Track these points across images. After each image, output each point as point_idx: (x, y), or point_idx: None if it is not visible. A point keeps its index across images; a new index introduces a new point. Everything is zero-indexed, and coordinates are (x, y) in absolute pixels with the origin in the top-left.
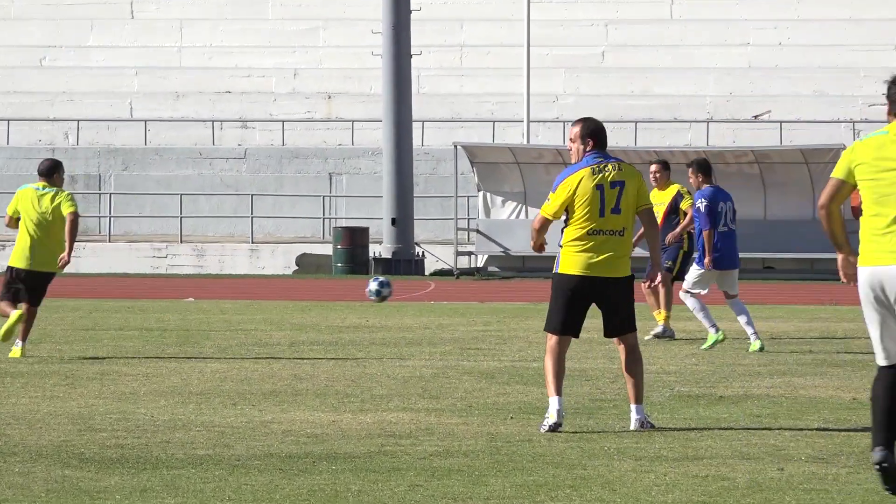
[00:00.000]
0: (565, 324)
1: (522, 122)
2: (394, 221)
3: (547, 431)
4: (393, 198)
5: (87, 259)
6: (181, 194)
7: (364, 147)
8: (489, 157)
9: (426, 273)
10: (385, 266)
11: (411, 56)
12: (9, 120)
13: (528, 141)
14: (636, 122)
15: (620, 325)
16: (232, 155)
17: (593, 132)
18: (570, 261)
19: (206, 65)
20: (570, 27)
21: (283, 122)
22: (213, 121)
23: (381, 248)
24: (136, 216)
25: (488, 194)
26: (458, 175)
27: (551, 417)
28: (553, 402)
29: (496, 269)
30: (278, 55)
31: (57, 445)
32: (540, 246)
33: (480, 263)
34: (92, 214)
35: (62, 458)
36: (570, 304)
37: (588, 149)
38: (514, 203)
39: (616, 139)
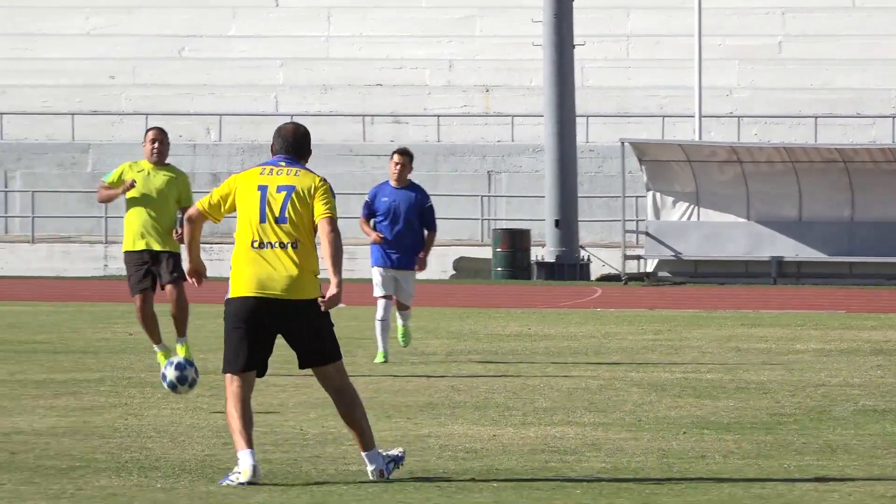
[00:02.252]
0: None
1: (693, 117)
2: (557, 223)
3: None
4: (556, 198)
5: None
6: None
7: (525, 144)
8: (659, 154)
9: (592, 278)
10: (548, 270)
11: (574, 46)
12: (147, 114)
13: (699, 137)
14: (816, 118)
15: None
16: (384, 151)
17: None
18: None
19: (355, 56)
20: (745, 15)
21: (439, 116)
22: (363, 115)
23: (543, 251)
24: None
25: (658, 194)
26: (625, 174)
27: (244, 474)
28: (244, 456)
29: (667, 275)
30: (432, 45)
31: (201, 459)
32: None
33: (650, 268)
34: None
35: (206, 472)
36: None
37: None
38: (686, 204)
39: (794, 135)
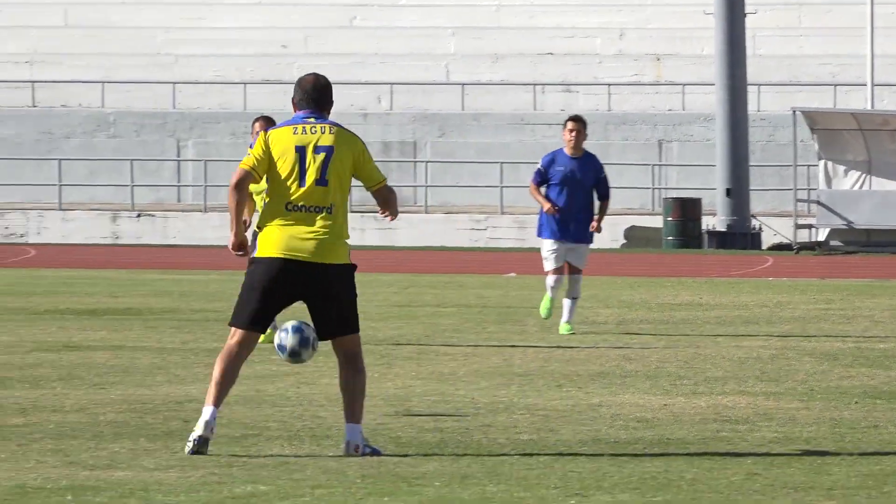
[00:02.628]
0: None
1: (866, 85)
2: (728, 192)
3: (190, 452)
4: (727, 167)
5: (402, 231)
6: (501, 162)
7: (696, 113)
8: (830, 123)
9: (763, 247)
10: (719, 240)
11: (745, 15)
12: None
13: (871, 106)
14: None
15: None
16: (555, 121)
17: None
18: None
19: (526, 24)
20: None
21: (609, 85)
22: (534, 84)
23: (714, 220)
24: (454, 186)
25: (830, 163)
26: (796, 143)
27: (197, 429)
28: (206, 412)
29: (839, 244)
30: (603, 14)
31: (373, 429)
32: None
33: (821, 237)
34: (407, 184)
35: (378, 441)
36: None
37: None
38: (858, 173)
39: None
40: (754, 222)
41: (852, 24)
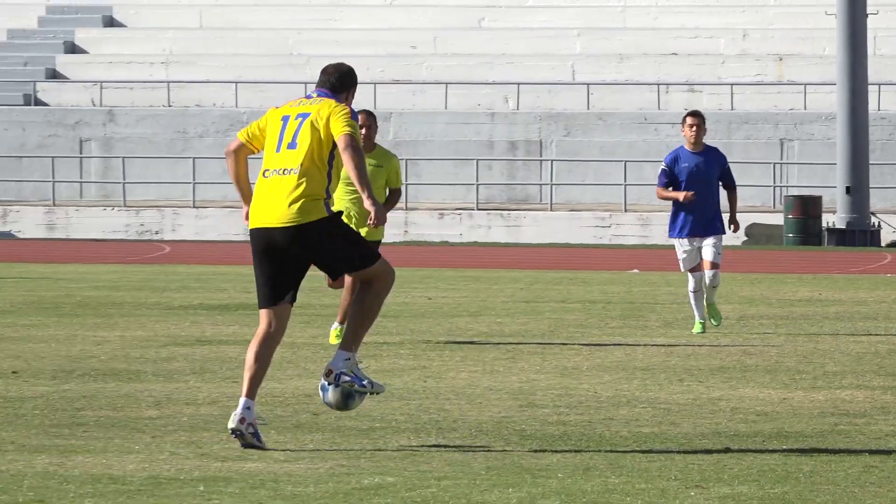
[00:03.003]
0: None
1: None
2: (848, 190)
3: (243, 447)
4: (847, 165)
5: (528, 229)
6: (625, 161)
7: (817, 112)
8: None
9: (882, 245)
10: (839, 237)
11: (867, 15)
12: (447, 83)
13: None
14: None
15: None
16: (678, 120)
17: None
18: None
19: (651, 25)
20: None
21: (732, 85)
22: (658, 84)
23: (834, 217)
24: (579, 184)
25: None
26: None
27: (230, 422)
28: (240, 403)
29: None
30: (727, 15)
31: (497, 421)
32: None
33: None
34: (533, 182)
35: (503, 434)
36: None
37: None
38: None
39: None
40: (874, 220)
41: None
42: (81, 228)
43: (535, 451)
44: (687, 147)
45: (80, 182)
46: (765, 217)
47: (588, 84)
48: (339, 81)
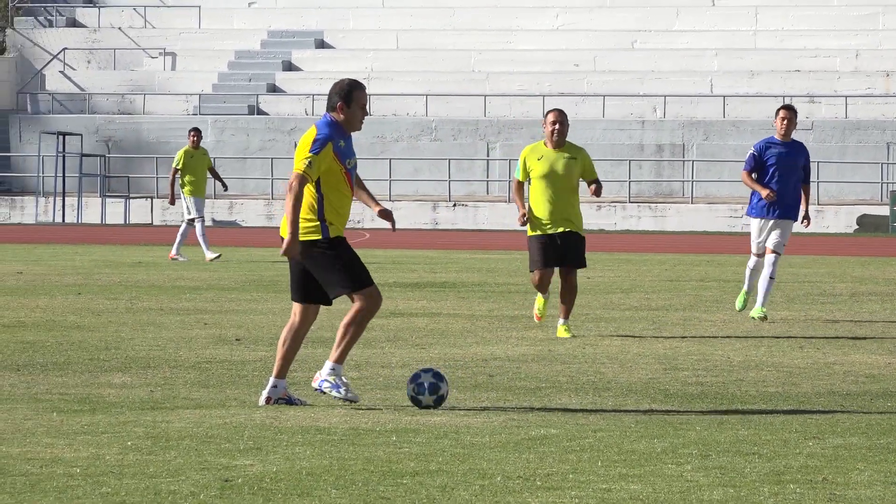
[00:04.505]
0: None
1: None
2: None
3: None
4: None
5: (671, 218)
6: None
7: None
8: None
9: None
10: None
11: None
12: (604, 95)
13: None
14: None
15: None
16: (801, 127)
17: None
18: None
19: (778, 46)
20: None
21: (846, 97)
22: (783, 96)
23: None
24: (715, 181)
25: None
26: None
27: (259, 400)
28: (268, 383)
29: None
30: (842, 37)
31: (645, 382)
32: None
33: None
34: (676, 179)
35: (649, 393)
36: None
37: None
38: None
39: None
40: None
41: None
42: None
43: (677, 408)
44: (777, 137)
45: None
46: (874, 209)
47: (724, 96)
48: (328, 100)
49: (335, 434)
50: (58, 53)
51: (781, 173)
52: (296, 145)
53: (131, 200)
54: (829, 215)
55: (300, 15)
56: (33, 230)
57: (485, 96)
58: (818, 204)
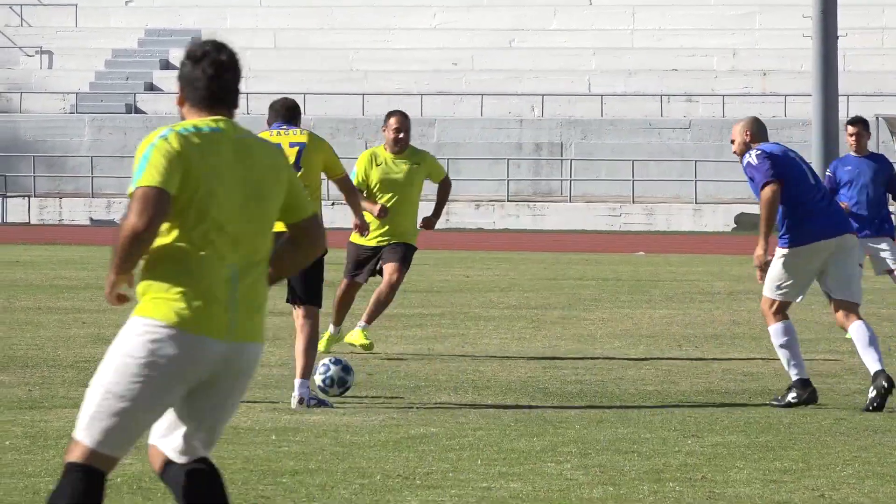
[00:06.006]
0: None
1: None
2: None
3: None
4: (820, 164)
5: (550, 217)
6: (633, 160)
7: (796, 118)
8: None
9: None
10: None
11: (838, 38)
12: (482, 94)
13: None
14: None
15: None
16: (678, 126)
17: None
18: None
19: (655, 45)
20: None
21: (724, 96)
22: (661, 95)
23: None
24: (594, 179)
25: None
26: (878, 144)
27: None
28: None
29: None
30: (719, 36)
31: (524, 381)
32: None
33: None
34: (555, 178)
35: (528, 391)
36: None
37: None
38: None
39: None
40: None
41: None
42: None
43: (556, 406)
44: (852, 153)
45: None
46: (751, 207)
47: (602, 95)
48: (290, 114)
49: None
50: None
51: (856, 190)
52: None
53: (8, 199)
54: (706, 214)
55: (177, 14)
56: None
57: (363, 95)
58: (695, 203)
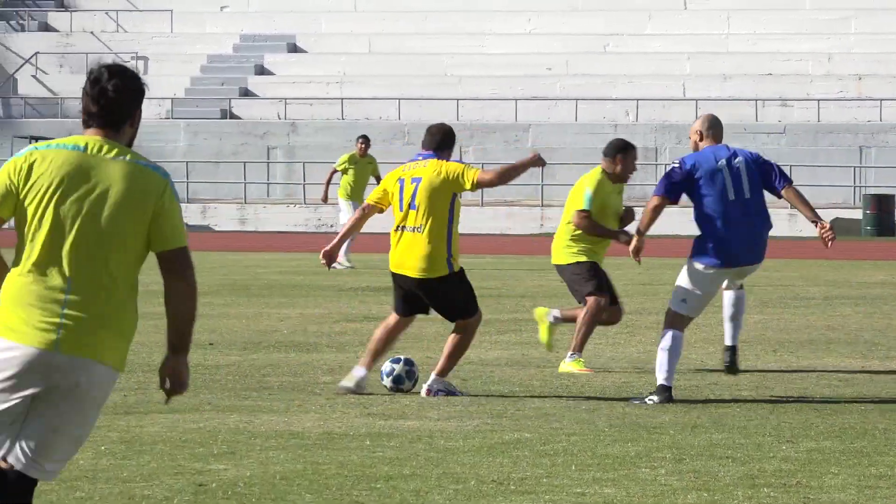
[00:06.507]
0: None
1: None
2: None
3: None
4: None
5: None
6: None
7: (892, 123)
8: None
9: None
10: None
11: None
12: (577, 99)
13: None
14: None
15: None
16: (773, 130)
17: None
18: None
19: (750, 50)
20: None
21: (819, 100)
22: (756, 100)
23: None
24: None
25: None
26: None
27: (347, 380)
28: (356, 370)
29: None
30: (814, 41)
31: (618, 386)
32: None
33: None
34: (650, 182)
35: (622, 394)
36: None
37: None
38: None
39: None
40: None
41: None
42: (269, 223)
43: (651, 410)
44: None
45: (267, 183)
46: (846, 212)
47: (697, 99)
48: (440, 142)
49: (309, 438)
50: (30, 58)
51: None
52: (269, 149)
53: None
54: (801, 219)
55: (272, 19)
56: None
57: (457, 100)
58: (790, 207)
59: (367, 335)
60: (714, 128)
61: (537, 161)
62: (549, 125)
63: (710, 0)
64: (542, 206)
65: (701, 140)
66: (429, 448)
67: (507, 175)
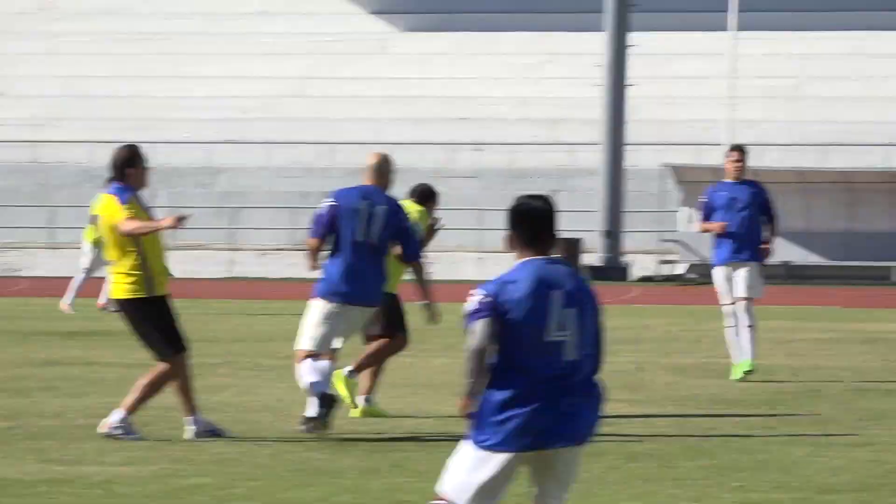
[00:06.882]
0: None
1: (720, 145)
2: (608, 234)
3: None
4: (607, 213)
5: None
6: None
7: (584, 167)
8: (694, 176)
9: (631, 279)
10: (596, 273)
11: (627, 87)
12: (270, 143)
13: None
14: (827, 146)
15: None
16: (466, 174)
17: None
18: None
19: (445, 94)
20: (769, 61)
21: (513, 144)
22: (449, 143)
23: (593, 257)
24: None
25: (690, 209)
26: (664, 192)
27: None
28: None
29: (693, 276)
30: (510, 85)
31: (299, 430)
32: None
33: (681, 271)
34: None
35: (304, 441)
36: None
37: None
38: None
39: (809, 160)
40: (624, 259)
41: (714, 95)
42: None
43: (333, 455)
44: (729, 179)
45: None
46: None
47: (390, 143)
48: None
49: None
50: None
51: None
52: None
53: None
54: (490, 262)
55: None
56: None
57: (153, 143)
58: (479, 252)
59: (42, 380)
60: (378, 172)
61: (174, 223)
62: (242, 169)
63: (407, 44)
64: (232, 249)
65: (369, 180)
66: (106, 494)
67: (140, 230)
